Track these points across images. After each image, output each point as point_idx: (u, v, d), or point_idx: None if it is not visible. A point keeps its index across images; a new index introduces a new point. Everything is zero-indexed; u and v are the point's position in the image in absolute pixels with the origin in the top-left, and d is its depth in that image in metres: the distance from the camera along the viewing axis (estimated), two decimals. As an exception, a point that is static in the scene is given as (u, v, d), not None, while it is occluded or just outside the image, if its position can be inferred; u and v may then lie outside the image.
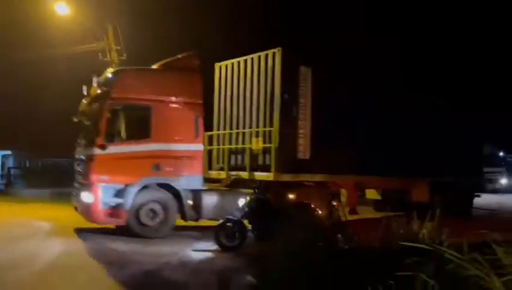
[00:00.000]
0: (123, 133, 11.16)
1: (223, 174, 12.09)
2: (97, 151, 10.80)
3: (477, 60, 26.47)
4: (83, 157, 11.62)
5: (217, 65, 12.74)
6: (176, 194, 11.34)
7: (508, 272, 4.57)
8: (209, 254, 9.59)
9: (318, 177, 11.40)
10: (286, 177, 10.87)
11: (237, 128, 11.94)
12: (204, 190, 11.70)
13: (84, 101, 12.40)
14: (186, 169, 11.52)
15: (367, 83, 12.32)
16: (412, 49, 23.82)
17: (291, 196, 10.91)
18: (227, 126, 12.28)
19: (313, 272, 6.03)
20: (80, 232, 11.41)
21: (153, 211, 11.10)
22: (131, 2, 23.69)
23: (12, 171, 27.29)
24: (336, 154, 11.24)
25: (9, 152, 27.71)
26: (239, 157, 11.88)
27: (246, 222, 10.27)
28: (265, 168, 10.94)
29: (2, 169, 27.62)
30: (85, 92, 12.24)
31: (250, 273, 7.97)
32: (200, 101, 11.80)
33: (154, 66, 12.34)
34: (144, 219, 10.99)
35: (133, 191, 10.90)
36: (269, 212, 10.27)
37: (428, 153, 13.52)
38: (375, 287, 4.99)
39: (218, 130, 12.52)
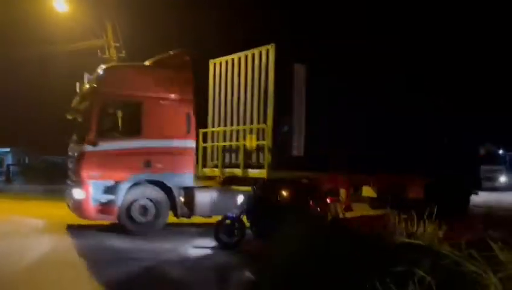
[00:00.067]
0: (114, 130, 11.16)
1: (217, 172, 12.05)
2: (88, 148, 10.81)
3: (477, 59, 26.37)
4: (74, 154, 11.60)
5: (211, 62, 12.66)
6: (168, 190, 11.31)
7: (505, 268, 4.58)
8: (208, 251, 9.60)
9: (312, 175, 11.33)
10: (279, 175, 10.80)
11: (231, 125, 11.87)
12: (196, 187, 11.65)
13: (76, 98, 12.39)
14: (177, 166, 11.49)
15: (362, 80, 12.23)
16: (410, 49, 23.73)
17: (286, 193, 10.85)
18: (222, 123, 12.21)
19: (310, 269, 6.01)
20: (80, 230, 11.37)
21: (144, 207, 11.09)
22: (130, -1, 23.69)
23: (11, 168, 27.38)
24: (331, 151, 11.18)
25: (8, 149, 27.82)
26: (233, 154, 11.82)
27: (244, 218, 10.27)
28: (259, 166, 10.88)
29: (1, 166, 27.73)
30: (78, 89, 12.24)
31: (249, 270, 8.00)
32: (192, 98, 11.76)
33: (147, 63, 12.31)
34: (135, 215, 10.99)
35: (124, 187, 10.89)
36: (268, 209, 10.29)
37: (424, 151, 13.43)
38: (372, 283, 4.96)
39: (213, 127, 12.45)
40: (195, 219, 11.92)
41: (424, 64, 15.95)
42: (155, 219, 11.17)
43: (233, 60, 11.97)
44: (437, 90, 14.27)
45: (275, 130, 10.71)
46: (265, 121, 10.83)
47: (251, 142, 10.94)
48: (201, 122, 12.30)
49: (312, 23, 26.00)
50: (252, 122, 11.25)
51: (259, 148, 10.90)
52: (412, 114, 13.33)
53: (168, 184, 11.29)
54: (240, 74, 11.69)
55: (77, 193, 10.94)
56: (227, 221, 9.90)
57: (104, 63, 17.11)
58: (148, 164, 11.19)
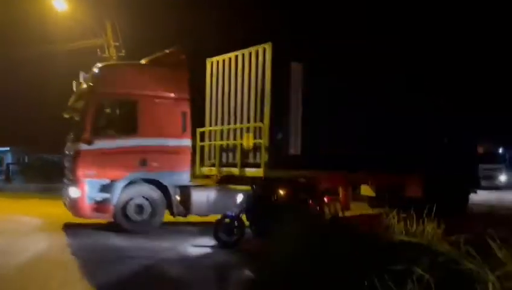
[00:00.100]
0: (109, 128, 11.14)
1: (214, 171, 12.01)
2: (83, 146, 10.82)
3: (477, 59, 26.31)
4: (70, 152, 11.59)
5: (208, 60, 12.59)
6: (163, 189, 11.29)
7: (503, 266, 4.62)
8: (208, 250, 9.58)
9: (309, 174, 11.28)
10: (276, 173, 10.75)
11: (229, 124, 11.83)
12: (192, 186, 11.60)
13: (72, 96, 12.39)
14: (173, 164, 11.47)
15: (360, 79, 12.19)
16: (410, 48, 23.67)
17: (285, 192, 10.82)
18: (219, 122, 12.15)
19: (310, 267, 6.02)
20: (79, 229, 11.35)
21: (139, 206, 11.09)
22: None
23: (11, 167, 27.43)
24: (328, 150, 11.14)
25: (7, 148, 27.86)
26: (230, 153, 11.78)
27: (244, 217, 10.25)
28: (256, 164, 10.83)
29: (1, 165, 27.78)
30: (74, 88, 12.22)
31: (248, 269, 8.01)
32: (187, 96, 11.73)
33: (143, 61, 12.29)
34: (131, 214, 10.98)
35: (119, 186, 10.88)
36: (267, 208, 10.26)
37: (422, 150, 13.39)
38: (371, 281, 4.99)
39: (210, 126, 12.40)
40: (195, 218, 11.92)
41: (423, 64, 15.90)
42: (151, 217, 11.15)
43: (230, 58, 11.92)
44: (437, 90, 14.23)
45: (271, 129, 10.68)
46: (262, 120, 10.77)
47: (248, 141, 10.90)
48: (199, 121, 12.26)
49: (310, 23, 25.95)
50: (249, 121, 11.19)
51: (256, 147, 10.87)
52: (411, 114, 13.28)
53: (164, 183, 11.27)
54: (237, 72, 11.64)
55: (73, 192, 10.94)
56: (227, 220, 9.89)
57: (103, 62, 17.13)
58: (143, 163, 11.17)
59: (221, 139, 11.94)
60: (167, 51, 11.98)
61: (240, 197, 10.59)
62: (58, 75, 25.41)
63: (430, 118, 13.75)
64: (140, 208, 11.07)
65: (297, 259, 6.31)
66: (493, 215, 15.34)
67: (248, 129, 11.08)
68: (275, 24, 24.46)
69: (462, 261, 4.86)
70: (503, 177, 29.85)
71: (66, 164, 12.05)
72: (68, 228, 11.48)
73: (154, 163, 11.26)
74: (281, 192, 10.83)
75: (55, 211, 13.21)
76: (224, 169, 11.66)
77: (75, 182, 10.88)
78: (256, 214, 10.32)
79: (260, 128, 10.74)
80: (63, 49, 23.17)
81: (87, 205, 10.75)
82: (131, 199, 11.01)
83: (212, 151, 12.20)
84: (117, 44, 22.43)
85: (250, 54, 11.30)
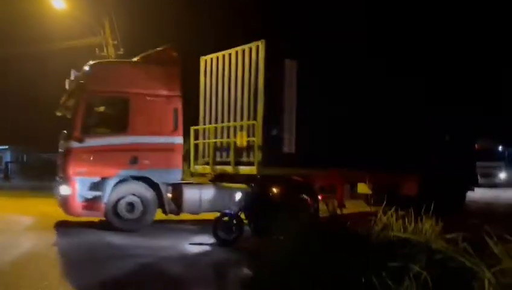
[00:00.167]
0: (100, 126, 11.10)
1: (208, 169, 11.95)
2: (74, 144, 10.75)
3: (476, 59, 26.26)
4: (62, 150, 11.54)
5: (202, 58, 12.55)
6: (155, 187, 11.19)
7: (499, 263, 4.60)
8: (207, 248, 9.50)
9: (304, 172, 11.21)
10: (270, 171, 10.70)
11: (222, 122, 11.77)
12: (184, 184, 11.52)
13: (64, 94, 12.35)
14: (164, 162, 11.37)
15: (354, 77, 12.11)
16: (408, 47, 23.60)
17: (281, 190, 10.77)
18: (213, 120, 12.11)
19: (307, 264, 5.97)
20: (77, 227, 11.23)
21: (130, 204, 10.97)
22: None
23: (9, 166, 27.47)
24: (322, 148, 11.09)
25: (6, 147, 27.90)
26: (224, 151, 11.72)
27: (242, 215, 10.19)
28: (250, 162, 10.78)
29: (0, 163, 27.84)
30: (67, 86, 12.19)
31: (247, 267, 7.91)
32: (179, 94, 11.64)
33: (135, 59, 12.23)
34: (122, 212, 10.88)
35: (110, 184, 10.78)
36: (266, 206, 10.19)
37: (419, 148, 13.30)
38: (368, 278, 4.97)
39: (204, 124, 12.35)
40: (194, 216, 11.82)
41: (421, 62, 15.85)
42: (142, 215, 11.05)
43: (223, 56, 11.87)
44: (435, 88, 14.13)
45: (265, 127, 10.61)
46: (255, 118, 10.72)
47: (241, 139, 10.85)
48: (193, 119, 12.20)
49: (305, 20, 25.94)
50: (242, 119, 11.15)
51: (249, 145, 10.81)
52: (407, 111, 13.21)
53: (155, 180, 11.17)
54: (231, 70, 11.59)
55: (63, 189, 10.88)
56: (225, 218, 9.81)
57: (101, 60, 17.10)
58: (135, 160, 11.09)
59: (215, 137, 11.89)
60: (159, 49, 11.91)
61: (238, 195, 10.55)
62: (57, 74, 25.37)
63: (427, 115, 13.67)
64: (131, 206, 10.96)
65: (296, 257, 6.25)
66: (490, 212, 15.29)
67: (242, 127, 11.03)
68: (269, 21, 24.41)
69: (459, 259, 4.85)
70: (502, 175, 29.74)
71: (58, 162, 11.99)
72: (69, 226, 11.37)
73: (146, 161, 11.17)
74: (276, 190, 10.77)
75: (55, 209, 13.14)
76: (218, 167, 11.63)
77: (66, 179, 10.82)
78: (254, 212, 10.30)
79: (254, 126, 10.69)
80: (62, 48, 23.14)
81: (78, 203, 10.67)
82: (122, 197, 10.91)
83: (206, 149, 12.16)
84: (115, 42, 22.38)
85: (243, 51, 11.24)
